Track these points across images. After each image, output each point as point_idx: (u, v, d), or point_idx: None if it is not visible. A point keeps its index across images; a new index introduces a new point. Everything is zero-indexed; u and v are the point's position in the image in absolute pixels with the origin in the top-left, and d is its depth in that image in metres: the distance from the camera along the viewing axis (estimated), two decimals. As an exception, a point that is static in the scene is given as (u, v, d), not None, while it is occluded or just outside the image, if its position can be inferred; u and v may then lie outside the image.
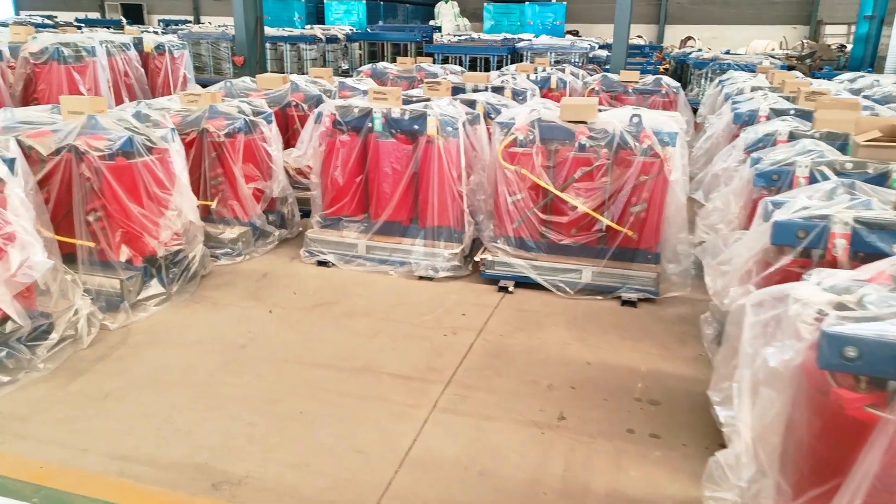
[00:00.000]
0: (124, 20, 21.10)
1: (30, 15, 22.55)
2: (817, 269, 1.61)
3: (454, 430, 2.61)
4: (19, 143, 3.21)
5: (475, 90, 5.80)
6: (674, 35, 22.98)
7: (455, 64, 11.98)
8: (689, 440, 2.50)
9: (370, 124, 4.20)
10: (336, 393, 2.86)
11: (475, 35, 15.76)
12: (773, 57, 12.33)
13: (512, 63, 12.76)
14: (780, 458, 1.47)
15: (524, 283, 3.96)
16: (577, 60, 12.07)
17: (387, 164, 4.18)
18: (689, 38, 21.21)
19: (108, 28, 15.33)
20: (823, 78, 8.59)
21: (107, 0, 28.09)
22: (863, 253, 2.03)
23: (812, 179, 2.68)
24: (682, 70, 13.16)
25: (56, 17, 22.05)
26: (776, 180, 2.77)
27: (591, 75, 8.15)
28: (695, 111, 7.71)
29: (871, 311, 1.33)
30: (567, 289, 3.85)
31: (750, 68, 9.53)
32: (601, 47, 13.56)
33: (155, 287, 3.70)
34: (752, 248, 2.16)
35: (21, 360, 2.93)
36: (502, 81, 6.01)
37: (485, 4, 21.22)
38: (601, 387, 2.91)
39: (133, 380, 2.95)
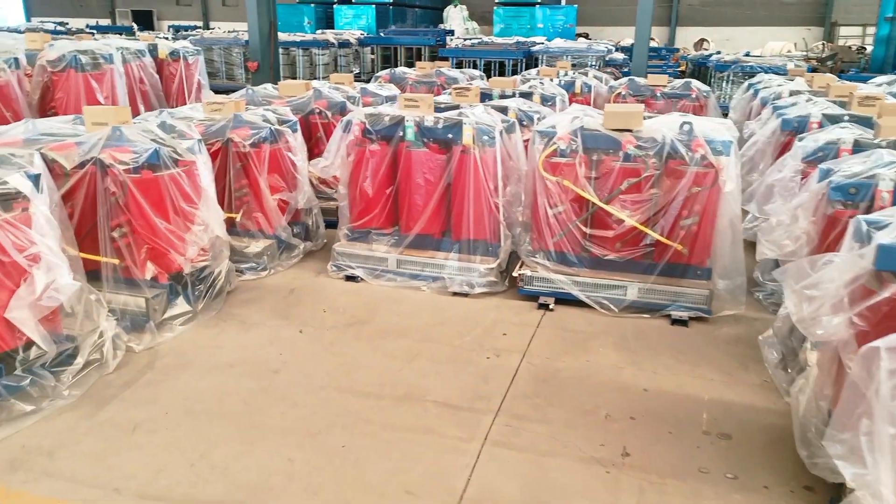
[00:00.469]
0: (136, 26, 21.10)
1: (41, 21, 22.58)
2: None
3: (511, 468, 2.42)
4: (42, 156, 3.05)
5: (502, 96, 5.62)
6: (685, 37, 22.77)
7: (469, 68, 11.81)
8: (771, 481, 2.30)
9: (401, 133, 4.02)
10: (380, 424, 2.68)
11: (487, 38, 15.58)
12: (796, 59, 12.08)
13: (527, 67, 12.59)
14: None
15: (565, 300, 3.77)
16: (594, 64, 11.87)
17: (419, 175, 4.00)
18: (702, 39, 20.98)
19: (119, 34, 15.27)
20: (850, 80, 8.36)
21: (117, 7, 28.15)
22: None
23: (896, 194, 2.48)
24: (700, 73, 12.94)
25: (67, 23, 22.06)
26: (854, 194, 2.57)
27: (615, 79, 7.96)
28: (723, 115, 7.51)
29: None
30: (612, 306, 3.65)
31: (776, 71, 9.31)
32: (617, 50, 13.35)
33: (181, 305, 3.53)
34: (846, 273, 1.96)
35: (45, 388, 2.76)
36: (530, 87, 5.82)
37: (495, 8, 21.05)
38: (664, 417, 2.71)
39: (164, 408, 2.77)
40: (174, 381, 2.99)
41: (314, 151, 5.10)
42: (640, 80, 7.08)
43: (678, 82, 6.97)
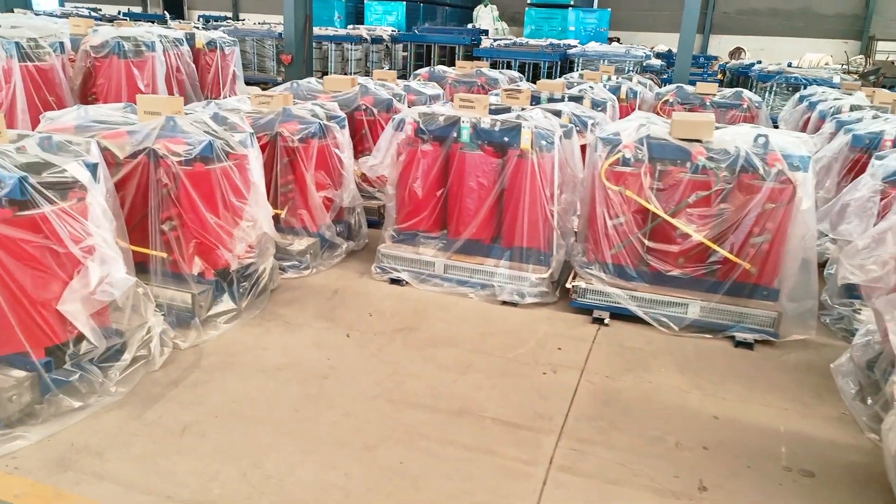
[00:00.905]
0: (168, 15, 21.21)
1: (75, 7, 22.80)
2: None
3: (579, 497, 2.28)
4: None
5: (551, 99, 5.47)
6: (718, 45, 22.37)
7: (503, 69, 11.65)
8: (866, 527, 2.15)
9: (456, 134, 3.89)
10: (437, 441, 2.55)
11: (520, 40, 15.39)
12: (839, 72, 11.77)
13: (562, 70, 12.40)
14: None
15: (620, 315, 3.62)
16: (631, 69, 11.66)
17: (472, 179, 3.87)
18: (738, 48, 20.62)
19: (152, 22, 15.31)
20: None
21: (149, -6, 28.36)
22: None
23: None
24: (738, 82, 12.67)
25: (100, 9, 22.24)
26: (958, 222, 2.39)
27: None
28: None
29: None
30: (671, 324, 3.50)
31: (824, 83, 9.04)
32: (656, 56, 13.12)
33: (226, 302, 3.44)
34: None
35: (93, 384, 2.67)
36: (580, 91, 5.66)
37: (526, 9, 20.84)
38: (739, 449, 2.56)
39: (212, 411, 2.67)
40: (221, 383, 2.89)
41: (358, 149, 5.00)
42: (689, 88, 6.89)
43: (728, 91, 6.77)
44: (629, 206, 3.50)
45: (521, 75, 8.32)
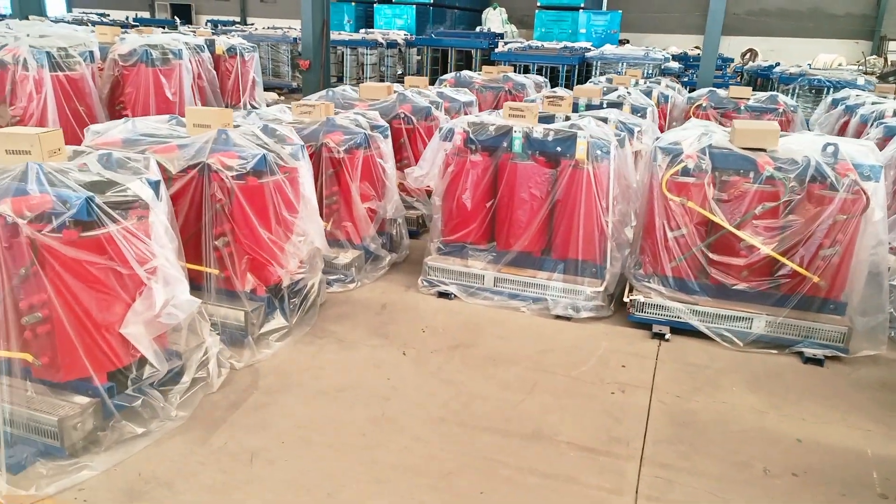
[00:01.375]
0: (178, 20, 21.19)
1: (83, 12, 22.79)
2: None
3: (675, 528, 2.18)
4: (148, 159, 2.88)
5: (589, 106, 5.37)
6: (728, 47, 22.19)
7: (519, 73, 11.55)
8: None
9: (506, 144, 3.80)
10: (515, 468, 2.45)
11: (535, 43, 15.29)
12: (859, 73, 11.65)
13: (578, 74, 12.30)
14: None
15: (681, 330, 3.52)
16: (650, 72, 11.56)
17: (524, 189, 3.77)
18: (750, 50, 20.47)
19: (162, 28, 15.29)
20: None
21: (157, 0, 28.37)
22: None
23: None
24: (756, 84, 12.56)
25: (109, 14, 22.25)
26: None
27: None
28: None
29: None
30: (736, 340, 3.39)
31: (847, 85, 8.92)
32: (674, 58, 13.01)
33: (277, 320, 3.34)
34: None
35: (155, 409, 2.58)
36: (618, 97, 5.56)
37: (536, 11, 20.75)
38: (829, 475, 2.45)
39: (278, 436, 2.58)
40: (282, 405, 2.80)
41: (397, 158, 4.89)
42: (721, 92, 6.79)
43: (762, 95, 6.67)
44: (691, 218, 3.39)
45: (546, 80, 8.22)
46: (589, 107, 5.32)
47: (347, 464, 2.44)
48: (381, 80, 13.70)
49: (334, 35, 14.04)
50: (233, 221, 3.12)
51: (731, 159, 3.33)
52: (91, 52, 5.60)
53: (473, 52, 13.45)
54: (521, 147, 3.74)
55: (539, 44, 14.94)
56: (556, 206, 3.74)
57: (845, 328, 3.26)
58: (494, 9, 22.67)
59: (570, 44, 14.91)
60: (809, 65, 12.70)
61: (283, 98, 12.32)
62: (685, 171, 3.39)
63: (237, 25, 21.18)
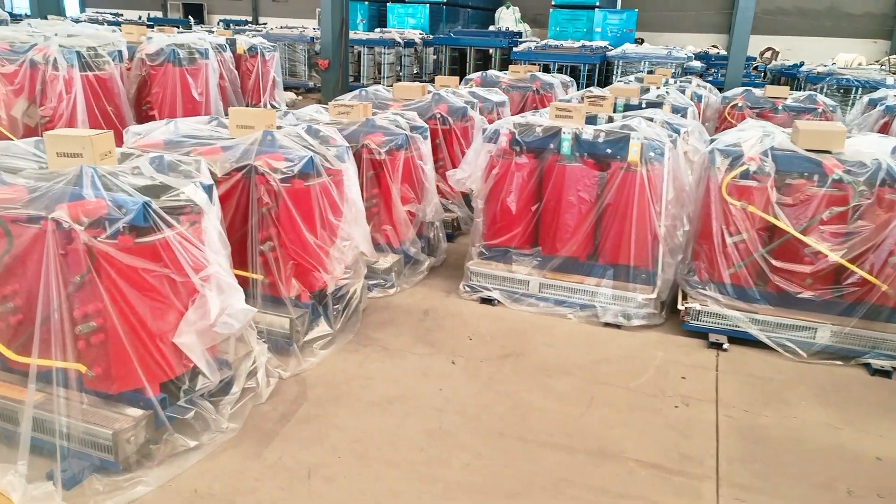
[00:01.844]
0: (192, 20, 21.19)
1: (97, 12, 22.84)
2: None
3: (764, 554, 2.05)
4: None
5: (627, 106, 5.24)
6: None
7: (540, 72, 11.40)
8: None
9: (553, 146, 3.68)
10: (584, 487, 2.33)
11: (553, 42, 15.12)
12: (886, 73, 11.43)
13: (599, 73, 12.15)
14: None
15: (739, 339, 3.39)
16: (675, 72, 11.38)
17: (572, 193, 3.65)
18: (769, 48, 20.22)
19: (176, 27, 15.26)
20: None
21: (170, 0, 28.40)
22: None
23: None
24: (779, 83, 12.36)
25: (122, 14, 22.27)
26: None
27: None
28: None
29: None
30: (799, 350, 3.26)
31: (877, 85, 8.74)
32: (696, 57, 12.83)
33: (321, 327, 3.24)
34: None
35: (206, 421, 2.48)
36: (658, 96, 5.43)
37: (551, 10, 20.58)
38: (920, 497, 2.32)
39: (334, 450, 2.47)
40: (334, 417, 2.69)
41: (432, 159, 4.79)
42: (757, 91, 6.63)
43: (800, 95, 6.52)
44: (752, 223, 3.26)
45: (572, 79, 8.08)
46: (627, 107, 5.19)
47: (409, 482, 2.34)
48: (398, 80, 13.60)
49: (350, 34, 13.95)
50: (279, 225, 3.02)
51: (796, 162, 3.20)
52: (120, 52, 5.53)
53: (492, 51, 13.30)
54: (569, 149, 3.62)
55: (557, 43, 14.77)
56: (606, 210, 3.62)
57: (916, 339, 3.12)
58: (507, 8, 22.51)
59: (587, 42, 14.74)
60: (835, 64, 12.48)
61: (300, 97, 12.26)
62: (745, 174, 3.26)
63: (250, 25, 21.16)
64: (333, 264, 3.22)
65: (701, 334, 3.45)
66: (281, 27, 17.29)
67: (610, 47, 13.53)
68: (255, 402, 2.72)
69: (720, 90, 7.78)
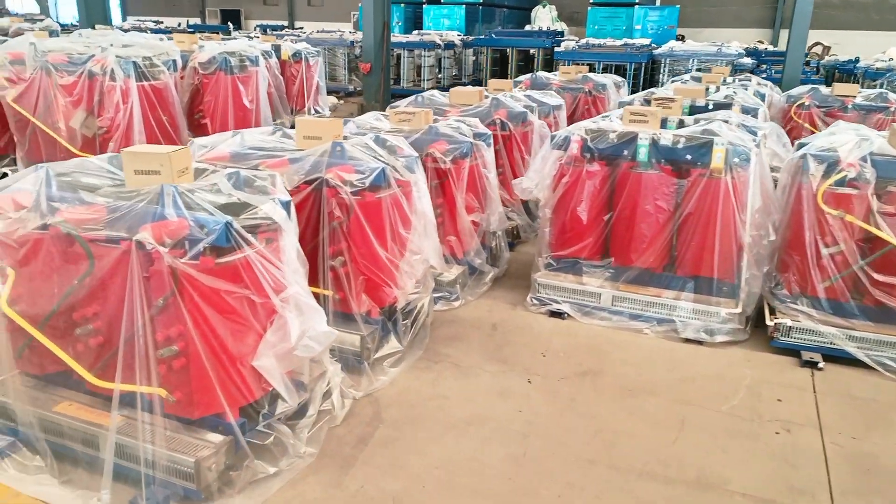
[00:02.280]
0: (231, 26, 21.50)
1: (138, 20, 23.37)
2: None
3: None
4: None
5: (693, 107, 5.01)
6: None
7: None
8: None
9: (627, 152, 3.51)
10: (692, 523, 2.17)
11: (594, 41, 14.82)
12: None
13: (645, 72, 11.84)
14: None
15: (834, 357, 3.16)
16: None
17: (648, 201, 3.47)
18: (817, 43, 19.50)
19: (216, 34, 15.46)
20: None
21: (207, 6, 28.93)
22: None
23: None
24: (832, 79, 11.88)
25: (162, 22, 22.74)
26: None
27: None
28: None
29: None
30: (903, 370, 3.02)
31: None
32: (749, 54, 12.41)
33: (392, 343, 3.13)
34: None
35: (284, 445, 2.39)
36: (726, 97, 5.19)
37: (589, 8, 20.23)
38: None
39: (417, 478, 2.35)
40: (412, 441, 2.58)
41: (491, 166, 4.65)
42: (825, 89, 6.31)
43: (870, 93, 6.17)
44: (850, 233, 3.04)
45: (623, 79, 7.84)
46: (693, 109, 4.96)
47: (500, 514, 2.20)
48: (437, 83, 13.51)
49: (394, 37, 13.92)
50: (350, 239, 2.92)
51: (900, 167, 2.97)
52: (174, 61, 5.53)
53: (535, 51, 13.08)
54: (646, 155, 3.44)
55: (599, 41, 14.47)
56: (686, 220, 3.43)
57: None
58: (544, 6, 22.24)
59: (630, 40, 14.40)
60: (892, 59, 11.91)
61: (341, 102, 12.25)
62: (841, 181, 3.03)
63: (286, 29, 21.36)
64: (404, 279, 3.11)
65: (791, 351, 3.24)
66: (318, 31, 17.36)
67: (653, 45, 13.19)
68: (330, 424, 2.62)
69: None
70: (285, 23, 26.23)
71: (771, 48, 16.53)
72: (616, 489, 2.33)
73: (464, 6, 19.34)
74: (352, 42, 13.53)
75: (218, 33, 16.38)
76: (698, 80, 6.97)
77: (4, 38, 7.02)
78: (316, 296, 2.94)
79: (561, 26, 21.52)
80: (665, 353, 3.32)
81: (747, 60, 11.78)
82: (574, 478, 2.38)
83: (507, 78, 10.38)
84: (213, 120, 5.98)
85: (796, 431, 2.66)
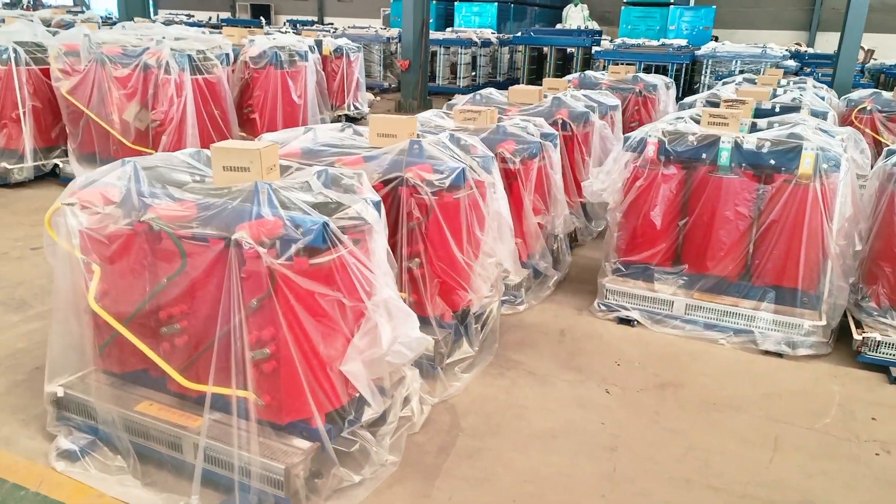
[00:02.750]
0: (263, 20, 21.57)
1: (170, 13, 23.57)
2: None
3: None
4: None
5: (758, 111, 4.84)
6: (826, 43, 20.76)
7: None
8: None
9: (706, 156, 3.37)
10: (804, 551, 2.04)
11: (635, 41, 14.57)
12: None
13: (686, 73, 11.59)
14: None
15: (927, 376, 3.01)
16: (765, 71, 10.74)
17: (728, 207, 3.34)
18: (860, 47, 19.02)
19: (248, 28, 15.48)
20: None
21: (238, 1, 29.11)
22: None
23: None
24: (878, 83, 11.55)
25: (193, 16, 22.90)
26: None
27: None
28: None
29: None
30: None
31: None
32: (792, 56, 12.11)
33: (464, 348, 3.04)
34: None
35: (367, 452, 2.31)
36: (793, 99, 5.01)
37: (622, 8, 19.96)
38: None
39: (505, 493, 2.26)
40: (495, 452, 2.48)
41: (551, 166, 4.54)
42: (886, 94, 6.09)
43: (938, 97, 5.93)
44: (952, 246, 2.88)
45: (671, 80, 7.66)
46: (758, 112, 4.79)
47: (597, 534, 2.10)
48: (473, 81, 13.39)
49: (431, 34, 13.82)
50: (427, 241, 2.83)
51: None
52: (227, 55, 5.50)
53: (574, 50, 12.89)
54: (728, 159, 3.31)
55: (636, 41, 14.24)
56: (769, 227, 3.29)
57: None
58: (576, 5, 22.00)
59: (667, 41, 14.15)
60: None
61: (378, 98, 12.20)
62: (942, 191, 2.88)
63: (316, 25, 21.38)
64: (478, 282, 3.02)
65: (880, 367, 3.09)
66: (351, 27, 17.32)
67: (690, 46, 12.94)
68: (409, 431, 2.54)
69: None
70: (315, 18, 26.29)
71: (810, 50, 16.14)
72: (717, 511, 2.22)
73: (496, 4, 19.22)
74: (387, 38, 13.47)
75: (249, 27, 16.44)
76: (752, 81, 6.78)
77: (48, 28, 7.02)
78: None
79: (593, 25, 21.28)
80: (745, 366, 3.18)
81: (791, 63, 11.48)
82: (671, 498, 2.27)
83: (543, 77, 10.23)
84: (261, 115, 5.95)
85: (899, 455, 2.52)
